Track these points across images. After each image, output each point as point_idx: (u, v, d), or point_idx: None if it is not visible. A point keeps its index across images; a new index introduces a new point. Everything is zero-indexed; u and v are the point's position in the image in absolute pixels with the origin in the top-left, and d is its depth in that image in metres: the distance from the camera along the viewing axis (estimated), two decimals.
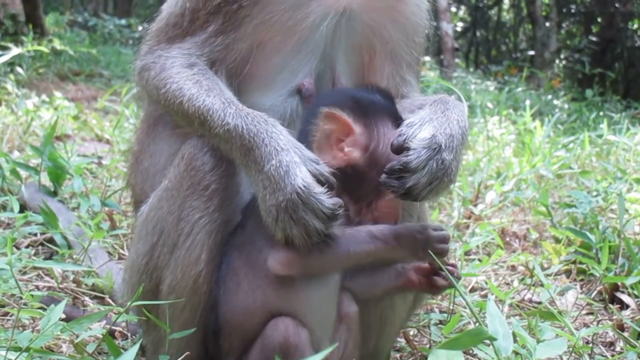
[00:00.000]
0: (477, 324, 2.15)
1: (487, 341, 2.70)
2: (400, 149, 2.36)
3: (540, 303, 3.65)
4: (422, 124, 2.41)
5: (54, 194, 4.71)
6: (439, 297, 3.76)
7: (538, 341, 2.41)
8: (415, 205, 2.64)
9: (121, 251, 4.12)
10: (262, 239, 2.37)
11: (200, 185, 2.44)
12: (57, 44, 12.68)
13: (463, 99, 3.81)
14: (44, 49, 10.74)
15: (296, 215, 2.25)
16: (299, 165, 2.30)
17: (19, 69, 10.26)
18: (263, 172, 2.31)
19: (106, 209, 4.50)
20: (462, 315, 3.36)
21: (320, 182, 2.30)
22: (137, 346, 2.21)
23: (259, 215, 2.36)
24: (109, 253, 4.03)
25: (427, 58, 17.94)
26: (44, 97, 8.79)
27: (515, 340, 2.33)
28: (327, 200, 2.27)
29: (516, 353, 2.49)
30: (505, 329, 2.12)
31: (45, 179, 4.81)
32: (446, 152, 2.36)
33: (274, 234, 2.30)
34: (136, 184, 2.87)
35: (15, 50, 9.35)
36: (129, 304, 2.47)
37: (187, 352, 2.39)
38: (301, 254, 2.33)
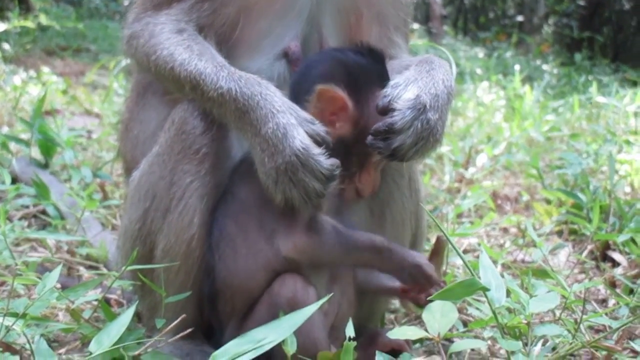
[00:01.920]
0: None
1: (481, 297, 2.73)
2: (385, 110, 2.35)
3: (532, 262, 3.67)
4: (407, 85, 2.40)
5: (45, 166, 4.70)
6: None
7: (531, 296, 2.43)
8: (405, 167, 2.64)
9: (114, 221, 4.13)
10: (271, 218, 2.38)
11: (191, 149, 2.43)
12: (44, 20, 12.58)
13: (451, 60, 3.82)
14: (30, 24, 10.66)
15: (296, 178, 2.26)
16: (296, 127, 2.29)
17: (5, 45, 10.19)
18: (260, 135, 2.31)
19: (98, 180, 4.49)
20: (455, 276, 3.38)
21: (317, 143, 2.30)
22: (132, 309, 2.22)
23: (253, 182, 2.36)
24: (102, 224, 4.03)
25: (416, 26, 17.88)
26: (31, 72, 8.74)
27: (508, 296, 2.35)
28: (325, 161, 2.28)
29: (509, 310, 2.52)
30: (499, 281, 2.13)
31: (36, 153, 4.79)
32: (431, 112, 2.35)
33: (274, 197, 2.31)
34: (127, 152, 2.87)
35: (0, 26, 9.27)
36: (123, 268, 2.47)
37: (184, 315, 2.39)
38: (318, 243, 2.36)
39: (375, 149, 2.33)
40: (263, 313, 2.35)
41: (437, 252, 3.08)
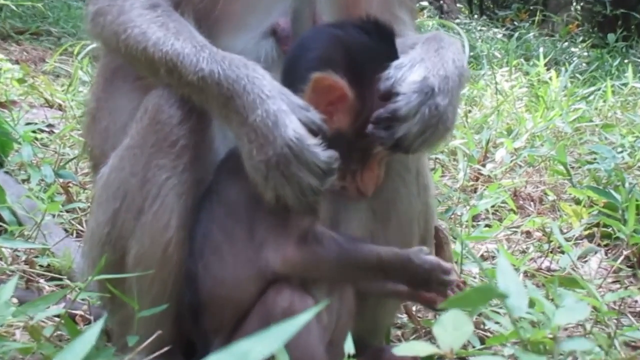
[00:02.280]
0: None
1: (500, 310, 2.73)
2: (388, 95, 2.35)
3: (559, 270, 3.69)
4: (413, 65, 2.40)
5: (0, 165, 4.69)
6: None
7: (557, 307, 2.44)
8: (411, 159, 2.65)
9: (79, 227, 4.12)
10: (262, 225, 2.39)
11: (167, 141, 2.43)
12: None
13: (465, 40, 3.83)
14: None
15: (288, 172, 2.25)
16: (288, 114, 2.29)
17: None
18: (247, 124, 2.30)
19: (60, 180, 4.49)
20: (471, 286, 3.38)
21: (313, 133, 2.30)
22: (99, 325, 2.20)
23: (243, 182, 2.36)
24: (66, 230, 4.03)
25: (425, 3, 17.89)
26: None
27: (531, 307, 2.35)
28: (322, 152, 2.27)
29: (533, 324, 2.52)
30: (519, 287, 2.13)
31: None
32: (440, 96, 2.35)
33: (263, 194, 2.31)
34: (94, 146, 2.87)
35: None
36: (89, 278, 2.48)
37: (160, 331, 2.40)
38: (312, 258, 2.36)
39: (376, 139, 2.33)
40: (255, 326, 2.35)
41: (441, 246, 3.06)
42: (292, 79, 2.45)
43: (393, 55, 2.50)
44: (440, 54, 2.46)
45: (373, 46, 2.46)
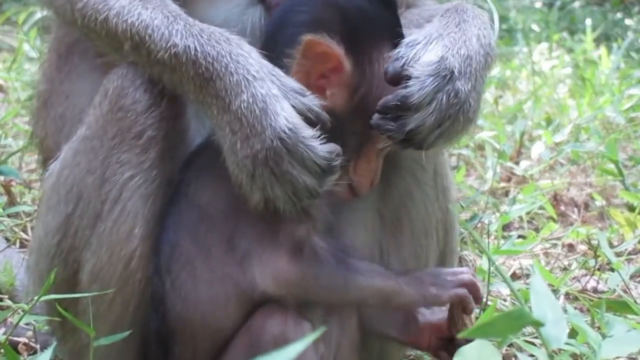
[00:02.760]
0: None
1: (535, 339, 2.74)
2: (397, 78, 2.34)
3: (608, 292, 3.69)
4: (428, 43, 2.40)
5: None
6: None
7: (604, 337, 2.44)
8: (428, 156, 2.64)
9: (23, 235, 4.13)
10: (244, 232, 2.39)
11: (132, 131, 2.43)
12: None
13: (494, 10, 3.84)
14: None
15: (280, 170, 2.24)
16: (279, 100, 2.28)
17: None
18: (230, 112, 2.30)
19: (1, 178, 4.49)
20: (500, 311, 3.38)
21: (310, 122, 2.29)
22: (47, 355, 2.21)
23: (219, 181, 2.37)
24: (7, 239, 4.03)
25: None
26: None
27: (573, 337, 2.36)
28: (320, 146, 2.26)
29: (575, 357, 2.53)
30: (558, 312, 2.13)
31: None
32: (461, 80, 2.34)
33: (249, 197, 2.30)
34: (46, 136, 2.86)
35: None
36: (35, 298, 2.48)
37: None
38: (308, 276, 2.37)
39: (383, 131, 2.32)
40: (240, 357, 2.37)
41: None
42: (277, 42, 2.46)
43: (396, 25, 2.51)
44: (462, 28, 2.46)
45: (373, 13, 2.47)
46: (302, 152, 2.25)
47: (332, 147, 2.28)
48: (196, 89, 2.36)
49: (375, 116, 2.32)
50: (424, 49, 2.37)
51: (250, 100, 2.27)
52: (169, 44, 2.36)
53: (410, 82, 2.30)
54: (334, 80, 2.40)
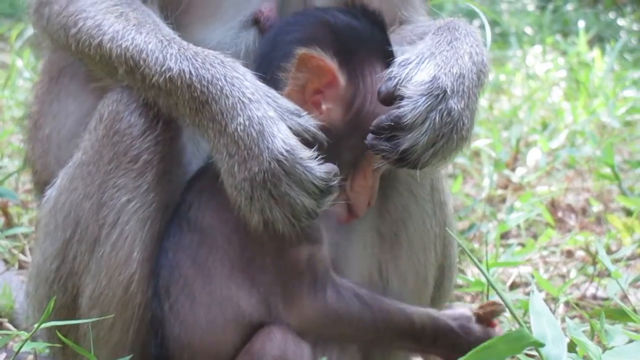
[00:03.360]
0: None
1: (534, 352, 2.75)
2: (390, 97, 2.35)
3: (607, 299, 3.69)
4: (420, 62, 2.40)
5: None
6: (468, 298, 3.81)
7: (604, 349, 2.45)
8: (423, 172, 2.65)
9: (22, 257, 4.13)
10: (257, 262, 2.41)
11: (128, 155, 2.44)
12: None
13: (485, 22, 3.84)
14: None
15: (278, 192, 2.26)
16: (276, 122, 2.30)
17: None
18: (226, 134, 2.31)
19: None
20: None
21: (306, 143, 2.30)
22: None
23: (220, 203, 2.38)
24: (5, 261, 4.04)
25: None
26: None
27: (573, 351, 2.36)
28: (317, 167, 2.27)
29: None
30: (557, 331, 2.14)
31: None
32: (454, 98, 2.35)
33: (247, 218, 2.31)
34: (37, 158, 2.87)
35: None
36: (36, 326, 2.48)
37: None
38: (332, 313, 2.39)
39: (377, 151, 2.33)
40: None
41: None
42: (270, 60, 2.47)
43: (386, 41, 2.53)
44: (454, 46, 2.46)
45: (362, 30, 2.49)
46: (299, 173, 2.26)
47: (330, 167, 2.29)
48: (192, 112, 2.37)
49: (370, 136, 2.32)
50: (417, 68, 2.37)
51: (247, 123, 2.28)
52: (163, 68, 2.37)
53: (404, 102, 2.30)
54: (329, 95, 2.42)
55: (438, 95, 2.31)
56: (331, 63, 2.39)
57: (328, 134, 2.37)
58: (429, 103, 2.30)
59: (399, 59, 2.41)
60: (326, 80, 2.41)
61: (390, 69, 2.38)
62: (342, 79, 2.41)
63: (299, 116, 2.34)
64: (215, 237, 2.44)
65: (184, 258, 2.44)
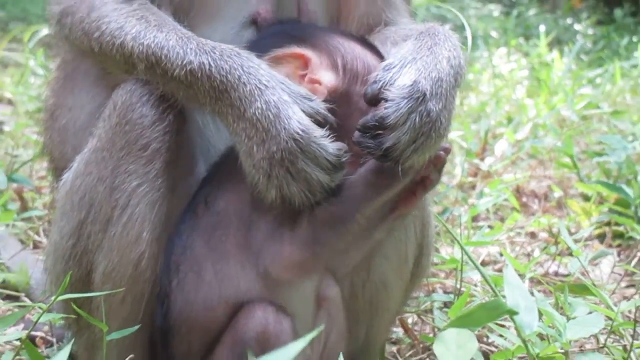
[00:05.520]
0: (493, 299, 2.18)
1: (505, 321, 2.76)
2: (375, 99, 2.37)
3: (568, 275, 3.72)
4: (403, 66, 2.41)
5: None
6: (442, 275, 3.83)
7: (568, 318, 2.47)
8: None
9: (37, 237, 4.12)
10: (258, 234, 2.40)
11: (138, 143, 2.43)
12: None
13: (465, 23, 3.85)
14: None
15: (295, 168, 2.27)
16: (290, 105, 2.31)
17: None
18: (245, 119, 2.32)
19: (14, 185, 4.47)
20: (473, 296, 3.41)
21: (318, 124, 2.33)
22: (66, 350, 2.22)
23: (237, 188, 2.39)
24: (21, 241, 4.03)
25: None
26: None
27: (540, 320, 2.38)
28: (330, 145, 2.30)
29: (542, 337, 2.55)
30: (529, 301, 2.16)
31: None
32: (432, 101, 2.35)
33: (266, 194, 2.32)
34: (53, 147, 2.87)
35: None
36: (53, 298, 2.47)
37: (131, 355, 2.41)
38: (310, 249, 2.38)
39: (363, 148, 2.33)
40: (226, 354, 2.37)
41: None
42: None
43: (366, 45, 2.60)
44: (434, 52, 2.47)
45: (306, 24, 2.64)
46: (314, 150, 2.28)
47: (340, 144, 2.32)
48: (212, 100, 2.38)
49: (356, 134, 2.33)
50: (399, 73, 2.38)
51: (264, 107, 2.30)
52: (184, 62, 2.38)
53: (387, 104, 2.32)
54: (313, 69, 2.48)
55: (418, 98, 2.32)
56: (294, 49, 2.47)
57: (335, 115, 2.40)
58: (410, 105, 2.31)
59: (383, 63, 2.43)
60: (301, 62, 2.47)
61: (375, 73, 2.41)
62: (309, 52, 2.47)
63: (311, 100, 2.37)
64: (230, 217, 2.44)
65: (198, 239, 2.44)
